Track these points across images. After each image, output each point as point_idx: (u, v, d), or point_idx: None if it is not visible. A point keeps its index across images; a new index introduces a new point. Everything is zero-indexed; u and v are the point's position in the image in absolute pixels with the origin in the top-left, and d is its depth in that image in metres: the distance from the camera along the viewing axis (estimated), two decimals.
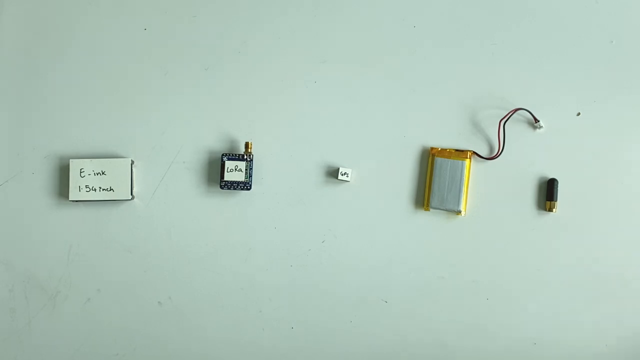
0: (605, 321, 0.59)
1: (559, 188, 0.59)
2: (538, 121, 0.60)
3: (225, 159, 0.62)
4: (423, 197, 0.60)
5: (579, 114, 0.61)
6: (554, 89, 0.61)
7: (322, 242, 0.61)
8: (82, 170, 0.62)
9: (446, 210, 0.60)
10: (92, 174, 0.62)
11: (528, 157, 0.60)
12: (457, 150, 0.60)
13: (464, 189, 0.59)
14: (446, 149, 0.60)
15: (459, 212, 0.59)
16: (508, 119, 0.60)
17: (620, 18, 0.61)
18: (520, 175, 0.60)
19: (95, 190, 0.61)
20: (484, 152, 0.61)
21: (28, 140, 0.64)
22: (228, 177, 0.61)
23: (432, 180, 0.60)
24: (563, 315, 0.59)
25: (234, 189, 0.62)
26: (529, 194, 0.60)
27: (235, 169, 0.61)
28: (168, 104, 0.64)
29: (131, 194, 0.62)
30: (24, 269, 0.63)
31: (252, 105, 0.63)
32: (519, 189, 0.60)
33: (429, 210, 0.60)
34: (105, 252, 0.63)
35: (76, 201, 0.62)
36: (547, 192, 0.60)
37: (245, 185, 0.61)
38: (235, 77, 0.64)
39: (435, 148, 0.60)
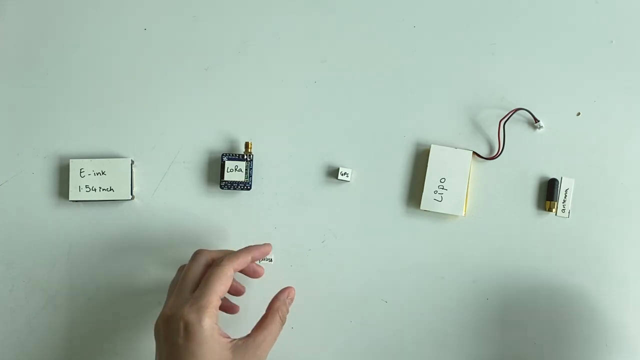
0: (605, 321, 0.59)
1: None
2: (538, 121, 0.60)
3: (225, 159, 0.62)
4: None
5: (579, 114, 0.61)
6: (554, 89, 0.61)
7: (322, 242, 0.61)
8: (82, 170, 0.62)
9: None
10: (92, 174, 0.62)
11: (528, 157, 0.60)
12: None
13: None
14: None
15: (458, 213, 0.59)
16: (508, 119, 0.60)
17: (620, 18, 0.61)
18: (520, 175, 0.60)
19: (95, 190, 0.61)
20: (484, 152, 0.61)
21: (28, 140, 0.64)
22: (228, 177, 0.61)
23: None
24: (563, 315, 0.59)
25: (234, 189, 0.62)
26: (529, 194, 0.60)
27: (235, 169, 0.61)
28: (168, 104, 0.64)
29: (131, 194, 0.62)
30: (24, 269, 0.63)
31: (252, 105, 0.63)
32: (519, 189, 0.60)
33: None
34: (105, 252, 0.63)
35: (76, 201, 0.62)
36: (547, 192, 0.60)
37: (245, 185, 0.61)
38: (235, 77, 0.64)
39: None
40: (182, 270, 0.54)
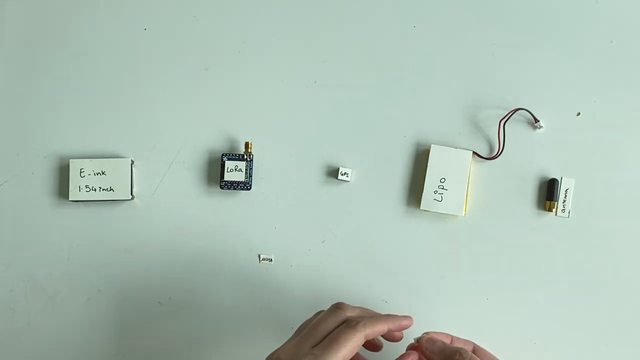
0: (605, 321, 0.59)
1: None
2: (538, 121, 0.60)
3: (225, 159, 0.62)
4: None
5: (579, 114, 0.61)
6: (554, 89, 0.61)
7: (322, 242, 0.61)
8: (82, 170, 0.62)
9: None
10: (92, 174, 0.62)
11: (528, 157, 0.60)
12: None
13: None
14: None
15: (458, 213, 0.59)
16: (508, 119, 0.60)
17: (620, 18, 0.61)
18: (520, 175, 0.60)
19: (95, 190, 0.61)
20: (484, 152, 0.61)
21: (28, 140, 0.64)
22: (228, 177, 0.61)
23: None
24: (563, 315, 0.59)
25: (234, 189, 0.62)
26: (529, 194, 0.60)
27: (235, 169, 0.61)
28: (168, 103, 0.64)
29: (131, 194, 0.62)
30: (24, 269, 0.63)
31: (252, 105, 0.63)
32: (519, 189, 0.60)
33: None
34: (105, 252, 0.63)
35: (76, 201, 0.62)
36: (547, 192, 0.60)
37: (245, 185, 0.61)
38: (235, 77, 0.64)
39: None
40: (317, 315, 0.50)
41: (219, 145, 0.63)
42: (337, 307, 0.49)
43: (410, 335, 0.52)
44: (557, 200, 0.59)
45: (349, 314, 0.48)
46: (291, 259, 0.62)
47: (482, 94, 0.61)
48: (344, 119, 0.62)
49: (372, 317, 0.48)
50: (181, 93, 0.64)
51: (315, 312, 0.52)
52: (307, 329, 0.47)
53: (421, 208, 0.60)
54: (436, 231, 0.61)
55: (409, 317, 0.50)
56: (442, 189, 0.60)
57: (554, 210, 0.59)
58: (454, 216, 0.60)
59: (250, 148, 0.62)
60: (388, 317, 0.49)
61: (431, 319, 0.60)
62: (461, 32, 0.62)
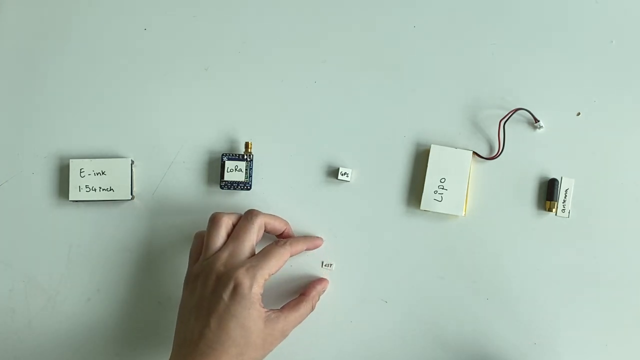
0: (605, 321, 0.59)
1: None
2: (538, 121, 0.60)
3: (225, 159, 0.62)
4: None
5: (579, 114, 0.61)
6: (554, 89, 0.61)
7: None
8: (82, 170, 0.62)
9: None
10: (92, 174, 0.62)
11: (528, 157, 0.61)
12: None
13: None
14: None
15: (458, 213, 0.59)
16: (508, 119, 0.60)
17: (620, 18, 0.61)
18: (520, 175, 0.60)
19: (95, 190, 0.62)
20: (484, 152, 0.61)
21: (28, 140, 0.64)
22: (228, 177, 0.61)
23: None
24: (563, 315, 0.59)
25: (234, 189, 0.62)
26: (529, 194, 0.60)
27: (235, 169, 0.61)
28: (168, 103, 0.64)
29: (131, 194, 0.62)
30: (24, 269, 0.63)
31: (252, 105, 0.63)
32: (519, 189, 0.60)
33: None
34: (105, 252, 0.63)
35: (76, 201, 0.62)
36: (547, 192, 0.60)
37: (245, 185, 0.61)
38: (235, 77, 0.64)
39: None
40: (200, 236, 0.57)
41: (219, 145, 0.63)
42: (254, 215, 0.56)
43: None
44: (557, 200, 0.59)
45: (261, 219, 0.56)
46: (291, 259, 0.61)
47: (482, 94, 0.61)
48: (344, 119, 0.62)
49: (295, 239, 0.58)
50: (181, 93, 0.64)
51: (196, 234, 0.59)
52: (233, 243, 0.54)
53: (421, 208, 0.60)
54: (436, 231, 0.61)
55: (320, 238, 0.61)
56: (442, 189, 0.60)
57: (554, 210, 0.59)
58: (454, 216, 0.60)
59: (250, 148, 0.62)
60: (306, 238, 0.59)
61: (431, 319, 0.60)
62: (461, 32, 0.62)
